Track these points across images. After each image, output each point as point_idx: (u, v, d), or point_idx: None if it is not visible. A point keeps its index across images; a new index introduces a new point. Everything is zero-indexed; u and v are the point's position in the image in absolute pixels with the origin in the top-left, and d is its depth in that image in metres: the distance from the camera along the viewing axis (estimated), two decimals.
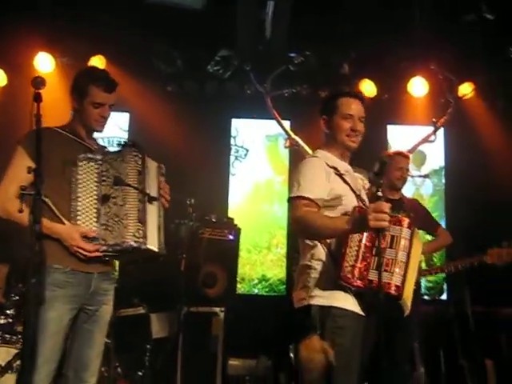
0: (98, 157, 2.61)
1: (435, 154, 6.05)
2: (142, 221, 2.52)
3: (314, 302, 2.62)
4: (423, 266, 5.28)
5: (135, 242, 2.49)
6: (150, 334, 4.97)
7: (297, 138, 4.88)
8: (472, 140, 5.82)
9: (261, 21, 5.06)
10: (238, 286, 5.70)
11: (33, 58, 5.55)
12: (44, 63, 5.58)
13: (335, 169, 2.65)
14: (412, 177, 4.99)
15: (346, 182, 2.66)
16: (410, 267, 2.53)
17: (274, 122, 5.22)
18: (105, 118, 2.70)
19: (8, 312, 3.76)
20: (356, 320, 2.60)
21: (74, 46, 5.55)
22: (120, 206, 2.53)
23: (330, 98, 2.82)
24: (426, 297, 5.76)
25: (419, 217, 4.05)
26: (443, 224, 6.01)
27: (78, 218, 2.53)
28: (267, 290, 5.91)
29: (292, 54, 5.26)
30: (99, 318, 2.65)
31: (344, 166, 2.74)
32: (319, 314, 2.61)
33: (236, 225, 4.95)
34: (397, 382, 4.01)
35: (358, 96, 2.79)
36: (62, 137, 2.66)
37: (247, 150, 6.08)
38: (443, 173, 6.11)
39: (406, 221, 2.54)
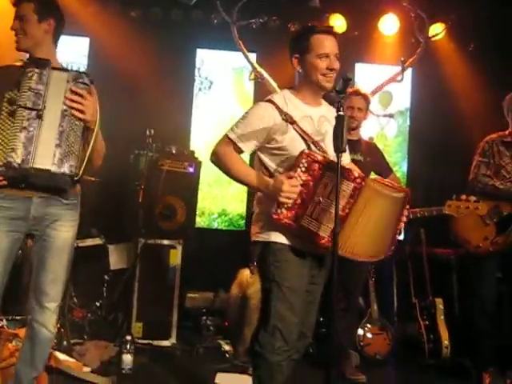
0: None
1: (402, 95, 6.01)
2: (27, 139, 2.44)
3: (258, 238, 2.69)
4: None
5: (17, 162, 2.42)
6: (108, 265, 4.96)
7: (262, 71, 4.75)
8: (439, 82, 5.76)
9: None
10: (198, 219, 5.69)
11: None
12: None
13: (286, 115, 2.60)
14: (377, 116, 4.95)
15: (297, 129, 2.60)
16: (360, 222, 2.48)
17: (240, 54, 5.06)
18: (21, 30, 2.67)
19: None
20: (297, 254, 2.63)
21: None
22: (8, 127, 2.45)
23: (301, 35, 2.68)
24: None
25: (374, 160, 4.06)
26: (405, 165, 6.07)
27: None
28: (227, 224, 5.91)
29: None
30: (49, 243, 2.64)
31: (306, 110, 2.68)
32: (260, 250, 2.68)
33: (197, 158, 4.85)
34: (351, 316, 4.15)
35: (331, 32, 2.66)
36: None
37: (211, 82, 5.93)
38: (408, 114, 6.09)
39: (353, 175, 2.46)
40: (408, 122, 6.10)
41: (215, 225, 5.91)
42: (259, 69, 4.80)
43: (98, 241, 4.91)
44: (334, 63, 2.59)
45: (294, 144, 2.60)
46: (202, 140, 5.80)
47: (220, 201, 5.88)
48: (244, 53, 4.82)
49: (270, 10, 5.41)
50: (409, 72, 5.67)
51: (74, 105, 2.52)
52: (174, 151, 4.74)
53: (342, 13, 5.54)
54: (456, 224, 3.96)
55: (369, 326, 4.59)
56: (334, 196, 2.38)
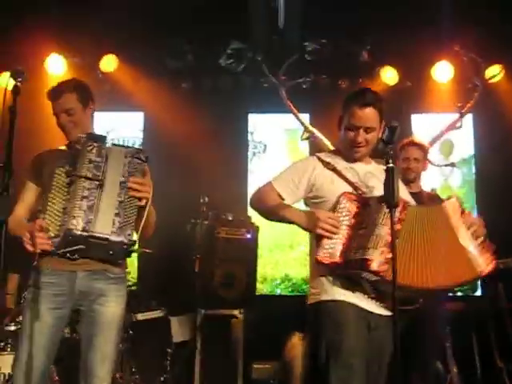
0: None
1: (464, 143, 5.75)
2: (88, 207, 2.46)
3: (310, 300, 2.58)
4: None
5: (79, 230, 2.42)
6: (171, 338, 4.85)
7: (314, 130, 4.68)
8: (503, 126, 5.51)
9: (273, 10, 4.87)
10: (260, 286, 5.52)
11: (44, 59, 5.51)
12: (55, 65, 5.54)
13: (328, 164, 2.63)
14: (438, 166, 4.73)
15: (340, 175, 2.59)
16: (407, 247, 2.34)
17: (292, 115, 5.02)
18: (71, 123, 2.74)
19: (17, 320, 3.72)
20: (353, 312, 2.43)
21: (84, 46, 5.46)
22: (67, 197, 2.50)
23: (344, 104, 2.70)
24: (459, 293, 5.47)
25: None
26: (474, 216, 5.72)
27: (43, 215, 2.53)
28: (290, 289, 5.70)
29: (306, 43, 5.05)
30: (96, 320, 2.56)
31: (350, 165, 2.67)
32: (312, 311, 2.54)
33: (253, 223, 4.75)
34: (428, 382, 3.81)
35: (369, 103, 2.59)
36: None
37: (265, 146, 5.89)
38: (473, 162, 5.80)
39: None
40: (473, 171, 5.80)
41: (278, 291, 5.71)
42: (311, 128, 4.73)
43: (158, 313, 4.83)
44: (360, 136, 2.57)
45: (334, 191, 2.53)
46: None
47: (282, 266, 5.71)
48: (294, 113, 4.78)
49: (318, 68, 5.39)
50: (470, 118, 5.45)
51: (134, 185, 2.54)
52: (230, 218, 4.69)
53: (392, 65, 5.46)
54: None
55: None
56: (373, 225, 2.32)
